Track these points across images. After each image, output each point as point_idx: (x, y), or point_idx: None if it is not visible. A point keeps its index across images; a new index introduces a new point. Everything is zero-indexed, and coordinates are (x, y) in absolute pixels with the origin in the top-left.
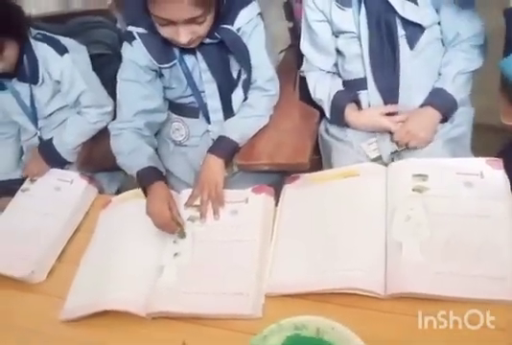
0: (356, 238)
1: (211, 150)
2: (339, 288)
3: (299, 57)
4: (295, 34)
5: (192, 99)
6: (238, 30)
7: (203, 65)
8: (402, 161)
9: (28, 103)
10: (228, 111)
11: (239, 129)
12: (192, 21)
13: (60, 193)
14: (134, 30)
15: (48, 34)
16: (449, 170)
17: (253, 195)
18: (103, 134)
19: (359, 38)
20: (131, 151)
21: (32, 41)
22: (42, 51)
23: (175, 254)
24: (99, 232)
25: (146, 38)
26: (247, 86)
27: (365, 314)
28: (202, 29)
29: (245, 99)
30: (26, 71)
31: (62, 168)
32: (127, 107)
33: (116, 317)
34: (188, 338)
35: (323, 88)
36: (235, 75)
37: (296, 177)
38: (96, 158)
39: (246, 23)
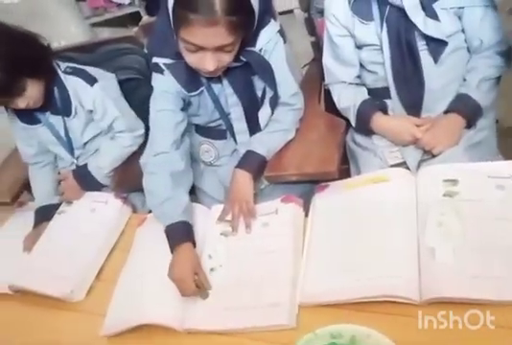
0: (388, 244)
1: (239, 165)
2: (374, 297)
3: (323, 71)
4: (318, 48)
5: (219, 122)
6: (260, 50)
7: (229, 90)
8: (431, 166)
9: (63, 134)
10: (256, 130)
11: (265, 144)
12: (221, 49)
13: (96, 213)
14: (160, 61)
15: (77, 66)
16: (479, 174)
17: (282, 205)
18: (133, 156)
19: (381, 51)
20: (165, 200)
21: (61, 75)
22: (72, 83)
23: (211, 269)
24: (135, 250)
25: (173, 68)
26: (275, 103)
27: (401, 321)
28: (229, 57)
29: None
30: (58, 104)
31: (95, 190)
32: (163, 137)
33: (153, 332)
34: None
35: (348, 97)
36: (259, 94)
37: (326, 186)
38: (129, 179)
39: (267, 42)
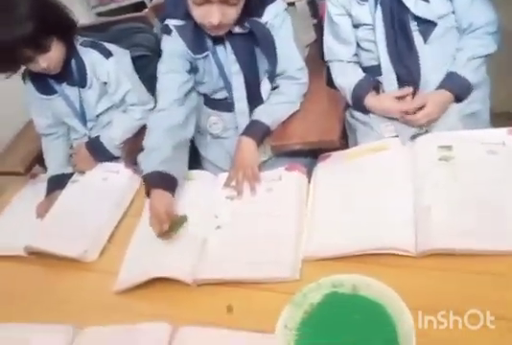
0: (387, 205)
1: (244, 133)
2: (374, 249)
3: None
4: (320, 29)
5: (225, 94)
6: (265, 23)
7: (232, 57)
8: (427, 135)
9: (77, 105)
10: (258, 101)
11: (270, 114)
12: (226, 1)
13: (108, 182)
14: (170, 22)
15: (94, 40)
16: (472, 140)
17: (286, 172)
18: (144, 129)
19: (374, 30)
20: (151, 151)
21: (79, 47)
22: (89, 55)
23: (217, 227)
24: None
25: (181, 30)
26: (272, 78)
27: (398, 272)
28: (233, 12)
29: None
30: (74, 75)
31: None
32: (166, 95)
33: (164, 287)
34: (232, 302)
35: (345, 76)
36: (261, 67)
37: (328, 156)
38: (139, 150)
39: (274, 17)
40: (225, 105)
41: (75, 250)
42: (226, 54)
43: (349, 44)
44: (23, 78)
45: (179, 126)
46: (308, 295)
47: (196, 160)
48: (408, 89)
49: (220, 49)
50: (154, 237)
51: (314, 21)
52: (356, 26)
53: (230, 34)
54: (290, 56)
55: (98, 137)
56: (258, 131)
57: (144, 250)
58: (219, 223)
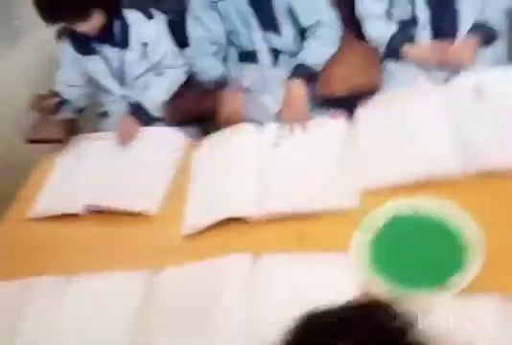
0: (431, 137)
1: (293, 75)
2: (424, 176)
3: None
4: None
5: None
6: None
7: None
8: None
9: (117, 66)
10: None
11: (312, 57)
12: None
13: (158, 144)
14: None
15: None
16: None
17: (331, 120)
18: (184, 90)
19: None
20: None
21: (123, 9)
22: (133, 16)
23: (269, 169)
24: (197, 169)
25: None
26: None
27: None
28: None
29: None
30: (116, 36)
31: (151, 124)
32: (196, 41)
33: (232, 224)
34: (302, 231)
35: (379, 30)
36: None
37: (368, 101)
38: (182, 111)
39: None
40: (251, 56)
41: (137, 205)
42: None
43: (382, 0)
44: (58, 36)
45: None
46: (373, 220)
47: None
48: (449, 43)
49: None
50: (211, 183)
51: None
52: None
53: None
54: (323, 6)
55: (137, 101)
56: (304, 73)
57: (205, 196)
58: (269, 167)
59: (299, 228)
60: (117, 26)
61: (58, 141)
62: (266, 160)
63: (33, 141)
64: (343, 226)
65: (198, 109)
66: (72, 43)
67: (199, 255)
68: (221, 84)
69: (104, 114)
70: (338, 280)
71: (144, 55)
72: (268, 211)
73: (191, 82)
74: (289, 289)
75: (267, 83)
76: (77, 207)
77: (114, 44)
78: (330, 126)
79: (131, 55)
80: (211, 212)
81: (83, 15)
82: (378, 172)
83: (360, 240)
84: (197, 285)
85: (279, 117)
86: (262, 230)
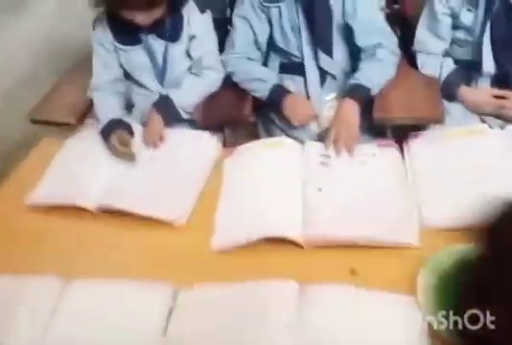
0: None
1: (347, 95)
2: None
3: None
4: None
5: (296, 54)
6: None
7: (302, 15)
8: None
9: (160, 60)
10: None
11: (370, 78)
12: None
13: (191, 148)
14: None
15: None
16: None
17: (379, 148)
18: (219, 93)
19: (481, 32)
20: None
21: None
22: (188, 8)
23: (318, 189)
24: (229, 177)
25: None
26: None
27: None
28: None
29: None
30: (166, 27)
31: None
32: (240, 41)
33: (269, 243)
34: (354, 264)
35: (434, 66)
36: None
37: (420, 134)
38: (216, 115)
39: None
40: (297, 67)
41: (165, 213)
42: (298, 9)
43: (444, 41)
44: (94, 23)
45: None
46: (438, 261)
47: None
48: (506, 91)
49: (291, 2)
50: (247, 197)
51: (396, 6)
52: (456, 27)
53: None
54: (385, 29)
55: (168, 96)
56: (360, 94)
57: (239, 210)
58: (318, 186)
59: (350, 259)
60: (169, 17)
61: (67, 125)
62: (312, 179)
63: (37, 121)
64: (401, 263)
65: (233, 114)
66: (113, 32)
67: (231, 274)
68: (278, 93)
69: (128, 105)
70: (401, 321)
71: (188, 50)
72: (316, 236)
73: (226, 84)
74: (342, 327)
75: (311, 102)
76: (89, 203)
77: (163, 36)
78: (381, 153)
79: (179, 48)
80: (246, 228)
81: (155, 4)
82: (442, 211)
83: (425, 281)
84: (233, 308)
85: (320, 137)
86: (306, 255)
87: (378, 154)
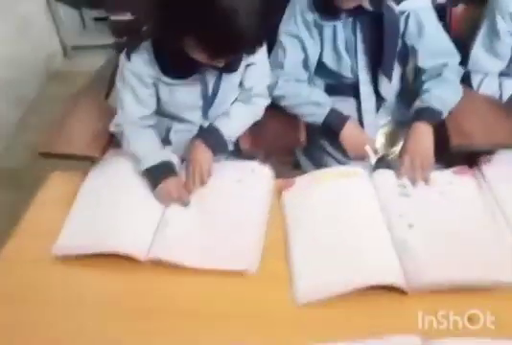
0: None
1: (417, 120)
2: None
3: None
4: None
5: (349, 75)
6: (402, 12)
7: (359, 34)
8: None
9: (210, 91)
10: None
11: (439, 100)
12: None
13: (243, 183)
14: None
15: None
16: None
17: (455, 176)
18: (268, 119)
19: None
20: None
21: None
22: None
23: (409, 226)
24: (295, 214)
25: None
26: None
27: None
28: None
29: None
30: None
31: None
32: (290, 62)
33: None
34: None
35: (494, 86)
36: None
37: (491, 158)
38: (265, 142)
39: (416, 9)
40: (347, 89)
41: (232, 264)
42: (355, 29)
43: (502, 59)
44: (129, 53)
45: None
46: None
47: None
48: None
49: (347, 22)
50: (324, 238)
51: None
52: None
53: (360, 9)
54: (449, 46)
55: (215, 126)
56: (431, 118)
57: (317, 254)
58: (408, 222)
59: (463, 304)
60: None
61: (88, 158)
62: (396, 213)
63: (49, 155)
64: None
65: (288, 140)
66: (160, 65)
67: (327, 330)
68: (335, 120)
69: (165, 141)
70: None
71: (243, 79)
72: (419, 281)
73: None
74: None
75: (365, 128)
76: (139, 253)
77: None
78: (458, 181)
79: (234, 78)
80: (337, 275)
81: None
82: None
83: None
84: None
85: (377, 167)
86: (411, 303)
87: (455, 182)
